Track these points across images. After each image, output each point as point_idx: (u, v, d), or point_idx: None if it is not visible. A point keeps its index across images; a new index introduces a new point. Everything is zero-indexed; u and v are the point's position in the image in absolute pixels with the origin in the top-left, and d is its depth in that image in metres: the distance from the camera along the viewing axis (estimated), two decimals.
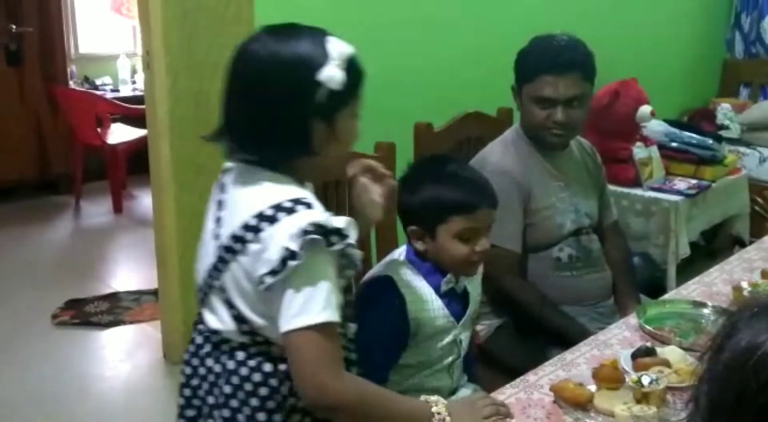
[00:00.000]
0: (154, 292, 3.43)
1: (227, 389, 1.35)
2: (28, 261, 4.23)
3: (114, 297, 3.73)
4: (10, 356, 3.17)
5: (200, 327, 1.43)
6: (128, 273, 4.16)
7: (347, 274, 1.33)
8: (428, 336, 1.64)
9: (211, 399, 1.39)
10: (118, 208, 5.07)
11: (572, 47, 2.11)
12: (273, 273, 1.23)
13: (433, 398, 1.37)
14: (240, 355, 1.35)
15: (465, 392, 1.73)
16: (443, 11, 2.98)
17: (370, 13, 2.73)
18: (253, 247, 1.27)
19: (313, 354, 1.24)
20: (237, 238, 1.29)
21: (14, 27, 5.01)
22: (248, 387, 1.34)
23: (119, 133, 5.14)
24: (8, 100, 5.10)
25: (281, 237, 1.23)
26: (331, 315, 1.24)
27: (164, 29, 2.79)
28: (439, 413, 1.34)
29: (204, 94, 2.70)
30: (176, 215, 2.95)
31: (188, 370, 1.44)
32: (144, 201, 5.08)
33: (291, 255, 1.21)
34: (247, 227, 1.27)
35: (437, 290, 1.65)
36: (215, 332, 1.37)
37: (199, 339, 1.43)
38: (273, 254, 1.23)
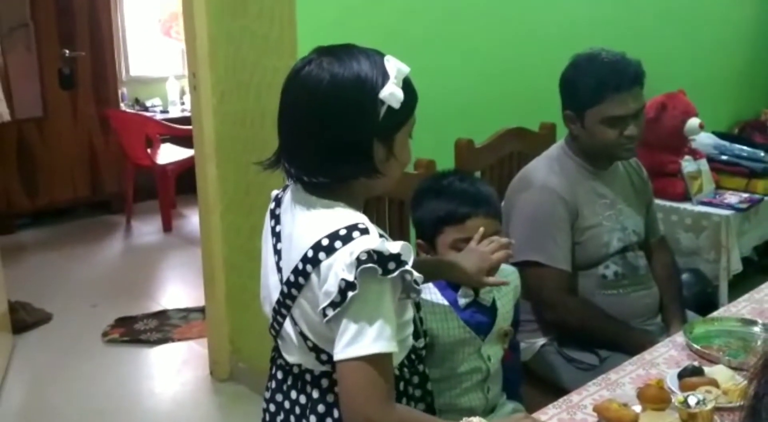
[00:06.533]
0: (202, 310, 3.48)
1: (312, 419, 1.34)
2: (81, 279, 4.33)
3: (163, 314, 3.80)
4: (62, 372, 3.25)
5: (279, 361, 1.43)
6: (177, 290, 4.23)
7: (412, 297, 1.30)
8: (448, 347, 1.66)
9: None
10: (167, 227, 5.16)
11: (625, 61, 2.09)
12: (334, 305, 1.21)
13: (475, 419, 1.34)
14: (324, 383, 1.34)
15: (506, 409, 1.71)
16: (484, 26, 2.97)
17: (410, 31, 2.73)
18: (314, 279, 1.26)
19: (362, 386, 1.22)
20: (299, 272, 1.28)
21: (67, 52, 5.18)
22: (336, 414, 1.32)
23: (169, 154, 5.26)
24: (62, 123, 5.25)
25: (338, 267, 1.22)
26: (384, 346, 1.22)
27: (210, 51, 2.86)
28: None
29: (249, 114, 2.75)
30: (222, 233, 3.00)
31: (273, 407, 1.44)
32: (193, 220, 5.16)
33: (349, 285, 1.20)
34: (306, 259, 1.26)
35: (455, 303, 1.68)
36: (296, 365, 1.37)
37: (280, 375, 1.43)
38: (331, 286, 1.22)
